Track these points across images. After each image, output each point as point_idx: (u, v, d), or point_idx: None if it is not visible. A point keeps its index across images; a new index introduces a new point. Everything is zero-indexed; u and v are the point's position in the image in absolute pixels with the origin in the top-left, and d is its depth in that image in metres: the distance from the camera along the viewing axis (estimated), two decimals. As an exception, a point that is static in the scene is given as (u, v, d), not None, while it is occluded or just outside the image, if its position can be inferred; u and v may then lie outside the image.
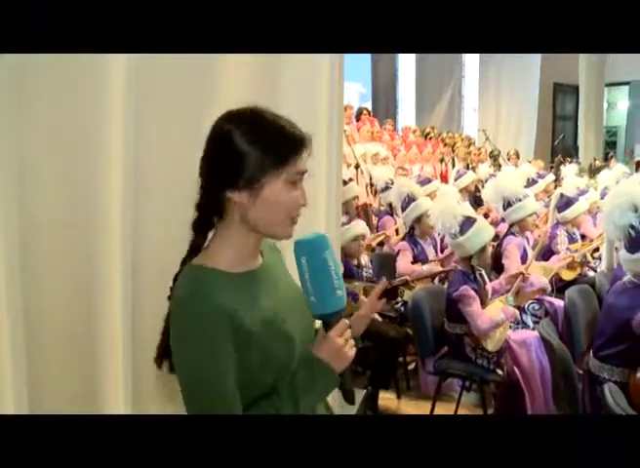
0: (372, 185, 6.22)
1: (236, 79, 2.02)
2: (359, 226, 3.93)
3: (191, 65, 1.87)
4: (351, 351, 1.24)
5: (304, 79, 2.28)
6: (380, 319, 3.94)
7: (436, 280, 4.20)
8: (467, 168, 8.08)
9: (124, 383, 1.85)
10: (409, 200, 4.39)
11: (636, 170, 9.29)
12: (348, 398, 1.33)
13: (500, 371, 3.28)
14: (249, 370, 1.19)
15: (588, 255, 4.72)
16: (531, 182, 5.58)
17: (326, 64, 2.35)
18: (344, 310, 1.25)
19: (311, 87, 2.31)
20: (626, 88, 15.10)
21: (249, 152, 1.17)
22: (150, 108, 1.85)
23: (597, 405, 2.60)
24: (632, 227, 2.70)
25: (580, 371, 2.92)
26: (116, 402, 1.82)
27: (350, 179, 5.89)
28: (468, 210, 3.80)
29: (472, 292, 3.29)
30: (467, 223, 3.41)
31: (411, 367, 4.31)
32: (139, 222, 1.87)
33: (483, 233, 3.41)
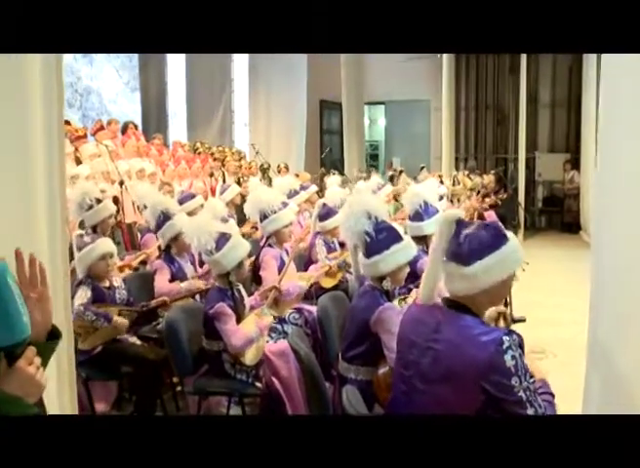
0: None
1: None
2: (104, 244, 3.64)
3: None
4: (44, 378, 1.19)
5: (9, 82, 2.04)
6: (139, 342, 3.75)
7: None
8: (238, 181, 8.15)
9: None
10: (164, 218, 4.23)
11: (390, 181, 10.11)
12: None
13: (259, 384, 3.29)
14: None
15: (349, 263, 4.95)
16: (293, 194, 5.76)
17: (36, 67, 2.12)
18: (28, 338, 1.18)
19: (20, 91, 2.07)
20: (383, 107, 16.54)
21: None
22: None
23: (345, 406, 2.70)
24: (367, 233, 2.87)
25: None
26: None
27: (115, 197, 5.60)
28: (224, 226, 3.78)
29: (228, 310, 3.25)
30: (222, 240, 3.37)
31: (179, 388, 4.16)
32: None
33: (238, 249, 3.40)
